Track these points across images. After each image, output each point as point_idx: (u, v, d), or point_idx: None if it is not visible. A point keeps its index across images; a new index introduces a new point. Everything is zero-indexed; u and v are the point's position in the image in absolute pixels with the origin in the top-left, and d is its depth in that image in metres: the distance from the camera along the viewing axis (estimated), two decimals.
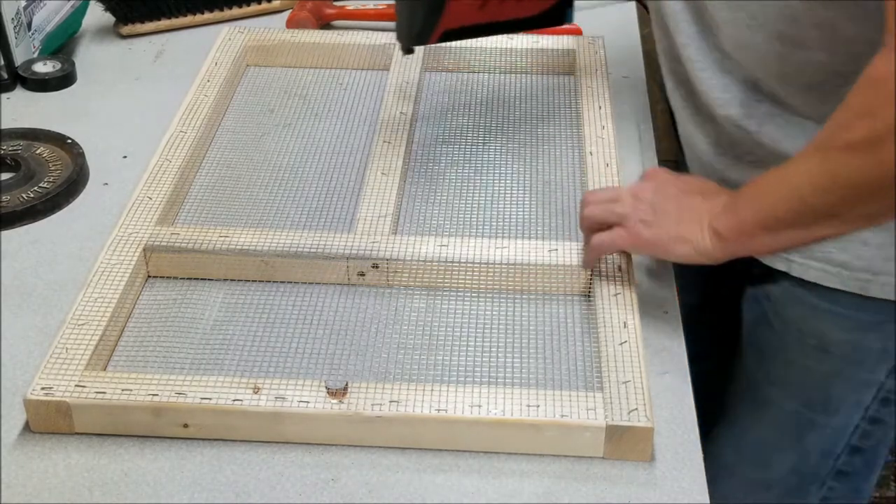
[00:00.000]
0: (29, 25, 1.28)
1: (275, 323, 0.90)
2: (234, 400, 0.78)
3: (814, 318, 0.93)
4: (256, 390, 0.79)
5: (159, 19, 1.35)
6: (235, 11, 1.37)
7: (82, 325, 0.85)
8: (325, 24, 1.35)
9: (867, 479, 1.03)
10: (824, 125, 0.76)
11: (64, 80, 1.26)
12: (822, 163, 0.75)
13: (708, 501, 0.76)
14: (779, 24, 0.84)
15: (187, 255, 0.94)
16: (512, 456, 0.78)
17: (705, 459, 0.78)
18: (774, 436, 0.96)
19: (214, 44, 1.24)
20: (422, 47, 1.17)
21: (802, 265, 0.92)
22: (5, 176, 1.08)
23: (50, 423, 0.79)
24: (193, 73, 1.18)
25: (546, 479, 0.77)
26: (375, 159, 1.05)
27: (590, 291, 0.91)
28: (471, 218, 1.00)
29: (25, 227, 1.02)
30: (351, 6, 1.36)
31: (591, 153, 1.05)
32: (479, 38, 1.23)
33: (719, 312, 1.10)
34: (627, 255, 0.92)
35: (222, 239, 0.95)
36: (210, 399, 0.79)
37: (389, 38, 1.27)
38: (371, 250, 0.93)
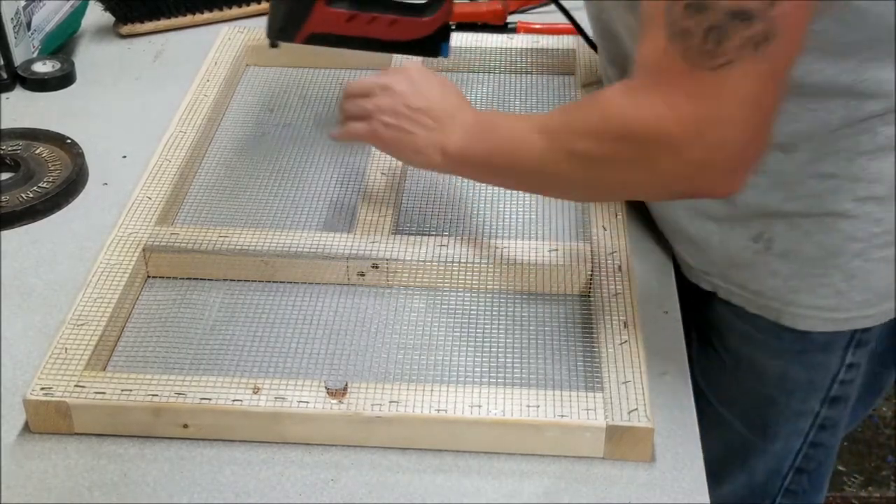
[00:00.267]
0: (28, 25, 1.28)
1: (275, 323, 0.90)
2: (233, 400, 0.78)
3: (745, 343, 0.94)
4: (256, 390, 0.79)
5: (159, 19, 1.35)
6: (235, 11, 1.37)
7: (82, 325, 0.85)
8: None
9: (817, 495, 1.04)
10: (560, 113, 0.79)
11: (63, 80, 1.26)
12: (544, 151, 0.77)
13: (708, 501, 0.76)
14: None
15: (187, 256, 0.94)
16: (512, 456, 0.78)
17: None
18: (725, 454, 0.96)
19: (214, 44, 1.24)
20: None
21: (726, 289, 0.92)
22: (5, 176, 1.08)
23: (49, 423, 0.79)
24: (193, 73, 1.18)
25: (546, 479, 0.77)
26: (375, 159, 1.05)
27: (590, 291, 0.91)
28: (471, 218, 1.00)
29: (25, 227, 1.02)
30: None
31: None
32: (478, 38, 1.23)
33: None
34: (627, 256, 0.92)
35: (222, 239, 0.95)
36: (210, 399, 0.78)
37: None
38: (371, 250, 0.93)
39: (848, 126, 0.80)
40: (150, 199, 1.00)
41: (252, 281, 0.94)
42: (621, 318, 0.86)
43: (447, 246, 0.94)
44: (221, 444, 0.79)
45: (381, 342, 0.88)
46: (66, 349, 0.83)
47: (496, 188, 1.04)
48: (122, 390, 0.79)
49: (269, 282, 0.94)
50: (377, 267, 0.93)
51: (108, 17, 1.36)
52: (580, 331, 0.89)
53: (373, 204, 0.99)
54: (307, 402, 0.78)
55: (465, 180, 1.05)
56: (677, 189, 0.73)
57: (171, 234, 0.95)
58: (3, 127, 1.15)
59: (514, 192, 1.03)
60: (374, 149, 1.07)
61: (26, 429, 0.80)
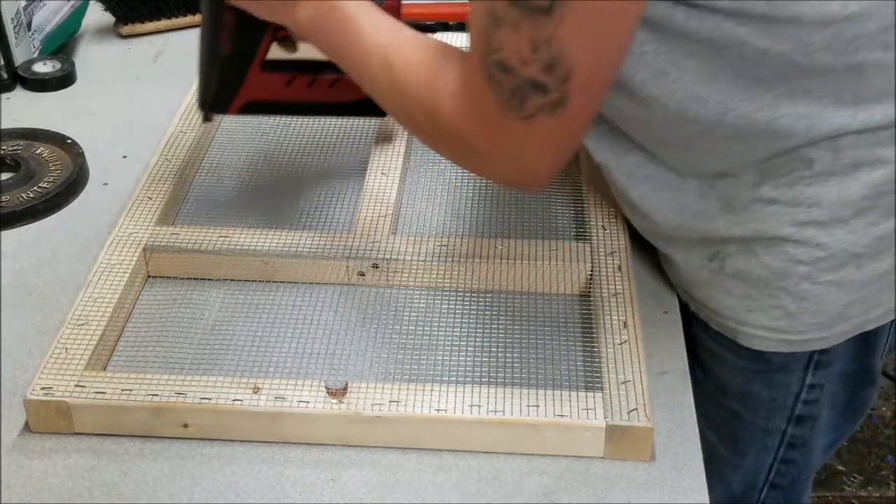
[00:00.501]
0: (29, 25, 1.28)
1: (275, 323, 0.90)
2: (233, 400, 0.78)
3: (710, 358, 0.94)
4: (256, 390, 0.79)
5: (159, 19, 1.35)
6: None
7: (82, 325, 0.85)
8: None
9: None
10: (407, 68, 0.79)
11: (64, 80, 1.26)
12: (381, 88, 0.80)
13: (708, 501, 0.76)
14: None
15: (187, 255, 0.94)
16: (512, 456, 0.79)
17: None
18: (704, 465, 0.97)
19: None
20: None
21: (694, 304, 0.93)
22: (5, 176, 1.08)
23: (50, 423, 0.79)
24: (193, 73, 1.18)
25: (546, 478, 0.77)
26: (375, 159, 1.05)
27: (589, 291, 0.91)
28: (471, 218, 1.00)
29: (25, 227, 1.02)
30: None
31: None
32: (456, 38, 1.23)
33: None
34: (627, 256, 0.92)
35: (222, 239, 0.95)
36: (210, 399, 0.79)
37: None
38: (371, 250, 0.93)
39: (778, 156, 0.80)
40: (150, 199, 1.00)
41: (252, 281, 0.94)
42: (621, 317, 0.86)
43: (447, 246, 0.94)
44: (221, 444, 0.79)
45: (381, 342, 0.88)
46: (67, 349, 0.83)
47: (496, 188, 1.04)
48: (123, 390, 0.79)
49: (269, 282, 0.94)
50: (377, 267, 0.93)
51: (109, 18, 1.36)
52: (580, 331, 0.89)
53: (373, 204, 0.99)
54: (307, 402, 0.78)
55: (465, 180, 1.05)
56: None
57: (171, 234, 0.95)
58: (3, 127, 1.15)
59: (515, 192, 1.04)
60: (373, 149, 1.07)
61: (26, 429, 0.80)
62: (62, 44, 1.34)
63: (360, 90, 0.84)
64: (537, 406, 0.78)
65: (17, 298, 0.93)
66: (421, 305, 0.92)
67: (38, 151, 1.11)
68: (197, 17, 1.35)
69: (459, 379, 0.84)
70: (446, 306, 0.91)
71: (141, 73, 1.28)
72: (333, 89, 0.94)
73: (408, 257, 0.93)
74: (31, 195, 1.04)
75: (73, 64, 1.28)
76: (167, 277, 0.95)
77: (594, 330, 0.87)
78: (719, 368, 0.93)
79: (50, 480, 0.77)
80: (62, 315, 0.88)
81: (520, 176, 0.77)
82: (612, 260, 0.92)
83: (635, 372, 0.81)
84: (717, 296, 0.89)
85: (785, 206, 0.82)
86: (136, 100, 1.22)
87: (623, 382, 0.80)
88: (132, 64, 1.30)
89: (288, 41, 0.92)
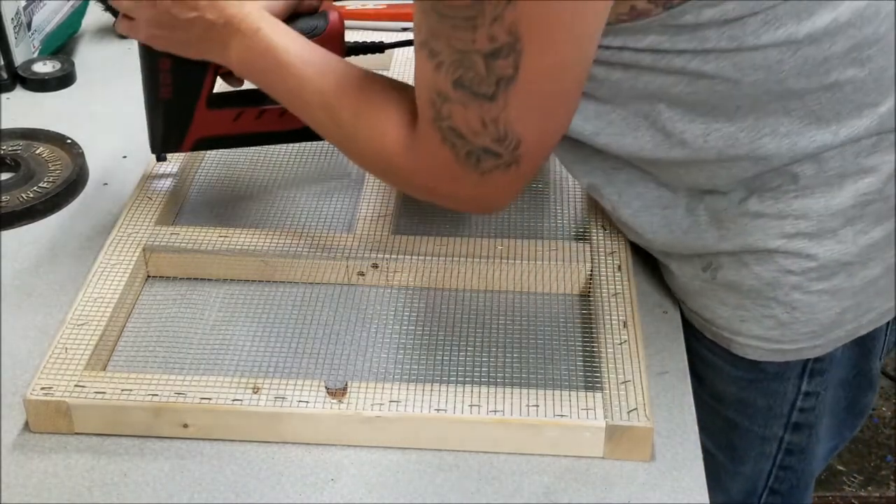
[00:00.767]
0: (29, 25, 1.28)
1: (275, 323, 0.90)
2: (233, 400, 0.78)
3: (705, 368, 0.94)
4: (256, 390, 0.79)
5: None
6: None
7: (82, 325, 0.85)
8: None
9: None
10: (353, 111, 0.81)
11: (64, 80, 1.26)
12: (322, 122, 0.85)
13: (708, 501, 0.76)
14: None
15: (187, 255, 0.94)
16: (512, 456, 0.78)
17: None
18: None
19: None
20: None
21: (687, 313, 0.93)
22: (5, 176, 1.08)
23: (50, 423, 0.79)
24: None
25: (546, 478, 0.77)
26: None
27: (589, 291, 0.91)
28: (470, 218, 1.00)
29: (25, 227, 1.02)
30: (351, 6, 1.36)
31: None
32: None
33: None
34: (627, 256, 0.92)
35: (222, 239, 0.95)
36: (210, 399, 0.79)
37: (389, 38, 1.27)
38: (371, 250, 0.93)
39: (765, 173, 0.81)
40: (150, 199, 1.00)
41: (252, 281, 0.94)
42: (621, 317, 0.86)
43: (447, 246, 0.94)
44: (221, 444, 0.79)
45: (381, 342, 0.88)
46: (67, 349, 0.83)
47: None
48: (122, 390, 0.79)
49: (269, 282, 0.94)
50: (377, 267, 0.93)
51: (108, 18, 1.36)
52: (580, 331, 0.89)
53: (373, 204, 0.99)
54: (307, 402, 0.78)
55: None
56: None
57: (171, 234, 0.95)
58: (3, 127, 1.15)
59: None
60: None
61: (26, 428, 0.80)
62: (62, 44, 1.34)
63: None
64: (537, 406, 0.78)
65: (17, 298, 0.93)
66: (421, 305, 0.92)
67: (38, 151, 1.11)
68: None
69: (459, 379, 0.84)
70: (446, 306, 0.91)
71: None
72: (284, 118, 0.94)
73: (408, 257, 0.93)
74: (31, 195, 1.04)
75: (72, 64, 1.28)
76: (167, 277, 0.95)
77: (594, 330, 0.87)
78: (714, 377, 0.93)
79: (50, 480, 0.77)
80: (62, 315, 0.88)
81: (478, 210, 0.85)
82: (612, 260, 0.92)
83: (635, 372, 0.81)
84: (710, 305, 0.89)
85: (772, 219, 0.82)
86: (136, 100, 1.21)
87: (623, 382, 0.80)
88: (132, 64, 1.28)
89: (232, 76, 0.93)
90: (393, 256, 0.93)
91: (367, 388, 0.79)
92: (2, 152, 1.09)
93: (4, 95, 1.24)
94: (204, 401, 0.78)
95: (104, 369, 0.85)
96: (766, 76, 0.74)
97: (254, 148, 1.10)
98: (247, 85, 0.93)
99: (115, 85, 1.26)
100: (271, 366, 0.85)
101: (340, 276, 0.94)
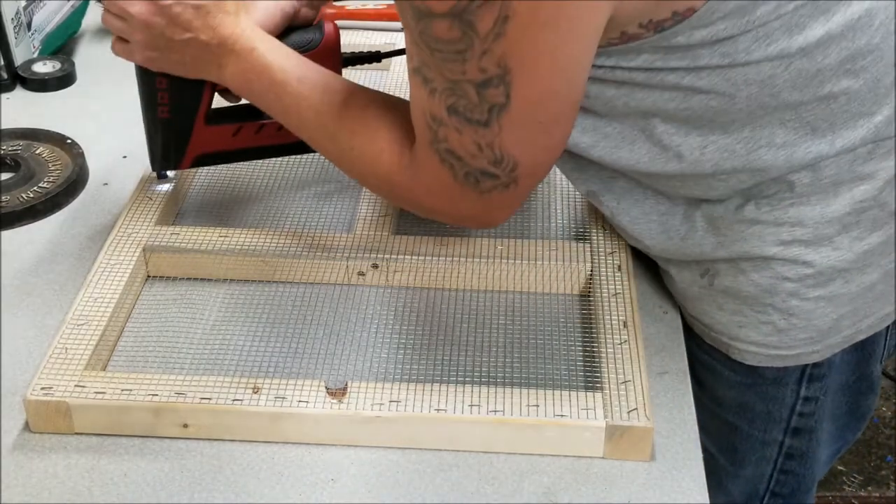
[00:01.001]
0: (29, 25, 1.28)
1: (275, 323, 0.90)
2: (233, 400, 0.78)
3: (705, 372, 0.94)
4: (256, 390, 0.79)
5: None
6: None
7: (82, 325, 0.85)
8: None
9: None
10: (351, 131, 0.82)
11: (64, 80, 1.26)
12: (321, 142, 0.86)
13: (708, 501, 0.76)
14: None
15: (187, 256, 0.94)
16: (512, 456, 0.78)
17: None
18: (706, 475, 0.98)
19: None
20: None
21: (688, 318, 0.93)
22: (5, 176, 1.08)
23: (50, 423, 0.79)
24: None
25: (546, 478, 0.77)
26: None
27: (589, 291, 0.91)
28: None
29: (25, 227, 1.02)
30: (351, 6, 1.36)
31: None
32: None
33: None
34: (627, 256, 0.92)
35: (222, 239, 0.95)
36: (210, 399, 0.79)
37: (389, 38, 1.27)
38: (371, 250, 0.93)
39: (762, 182, 0.81)
40: (150, 199, 1.00)
41: (252, 281, 0.94)
42: (621, 317, 0.86)
43: (447, 246, 0.94)
44: (221, 444, 0.79)
45: (381, 342, 0.88)
46: (67, 349, 0.83)
47: None
48: (122, 390, 0.79)
49: (269, 282, 0.94)
50: (377, 267, 0.93)
51: None
52: (580, 331, 0.89)
53: (373, 204, 0.99)
54: (307, 402, 0.78)
55: None
56: None
57: (171, 234, 0.95)
58: (3, 127, 1.15)
59: None
60: None
61: (26, 428, 0.80)
62: (62, 44, 1.34)
63: None
64: (537, 406, 0.78)
65: (17, 298, 0.93)
66: (421, 305, 0.92)
67: (38, 151, 1.11)
68: None
69: (459, 379, 0.84)
70: (446, 306, 0.91)
71: None
72: (282, 132, 0.93)
73: (408, 257, 0.93)
74: (31, 195, 1.04)
75: (72, 64, 1.28)
76: (167, 277, 0.95)
77: (594, 330, 0.87)
78: (714, 381, 0.93)
79: (50, 480, 0.77)
80: (62, 315, 0.88)
81: (478, 226, 0.84)
82: (612, 260, 0.92)
83: (635, 372, 0.81)
84: (709, 311, 0.89)
85: (768, 226, 0.82)
86: (136, 100, 1.21)
87: (623, 382, 0.80)
88: (132, 64, 1.29)
89: (229, 92, 0.92)
90: (393, 256, 0.93)
91: (367, 388, 0.79)
92: (2, 152, 1.09)
93: (4, 95, 1.24)
94: (204, 401, 0.78)
95: (104, 369, 0.85)
96: (759, 90, 0.74)
97: None
98: (244, 100, 0.93)
99: (115, 85, 1.26)
100: (271, 366, 0.85)
101: (340, 276, 0.94)
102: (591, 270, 0.92)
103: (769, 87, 0.74)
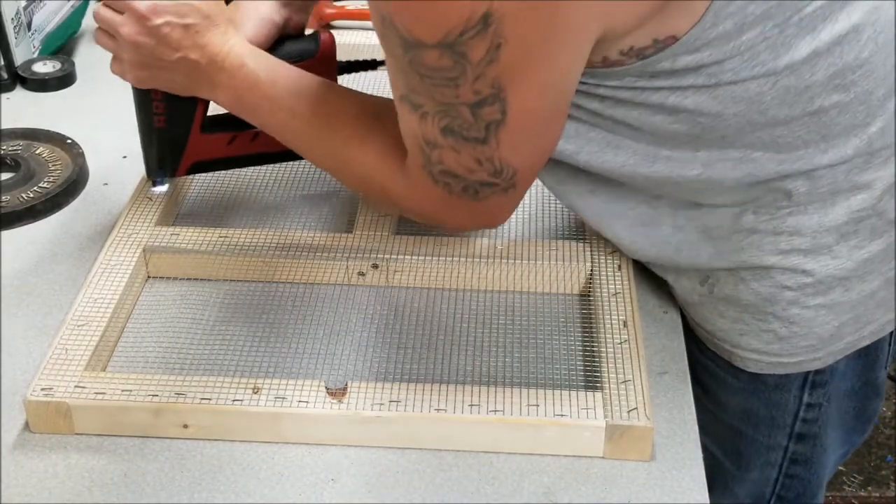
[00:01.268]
0: (29, 25, 1.28)
1: (275, 323, 0.90)
2: (233, 400, 0.78)
3: (708, 378, 0.94)
4: (256, 390, 0.79)
5: None
6: None
7: (82, 325, 0.85)
8: (325, 25, 1.34)
9: None
10: (344, 143, 0.83)
11: (64, 80, 1.26)
12: (316, 154, 0.87)
13: (708, 501, 0.76)
14: None
15: (187, 256, 0.94)
16: (511, 456, 0.78)
17: None
18: (710, 479, 0.98)
19: None
20: None
21: (692, 324, 0.93)
22: (5, 176, 1.08)
23: (50, 423, 0.79)
24: None
25: (546, 478, 0.77)
26: None
27: (589, 290, 0.91)
28: None
29: (25, 227, 1.02)
30: (351, 6, 1.36)
31: None
32: None
33: None
34: (627, 256, 0.92)
35: (222, 239, 0.95)
36: (210, 399, 0.79)
37: None
38: (371, 250, 0.93)
39: (757, 187, 0.80)
40: (150, 199, 1.00)
41: (252, 281, 0.94)
42: (621, 317, 0.86)
43: (447, 245, 0.94)
44: (221, 444, 0.79)
45: (381, 342, 0.88)
46: (67, 349, 0.83)
47: None
48: (122, 390, 0.79)
49: (269, 282, 0.94)
50: (377, 267, 0.93)
51: None
52: (580, 330, 0.89)
53: (374, 205, 0.99)
54: (307, 402, 0.78)
55: None
56: None
57: (172, 234, 0.95)
58: (3, 127, 1.15)
59: None
60: None
61: (26, 429, 0.80)
62: (62, 44, 1.34)
63: None
64: (537, 406, 0.78)
65: (17, 298, 0.93)
66: (421, 305, 0.92)
67: (38, 151, 1.11)
68: None
69: (459, 379, 0.84)
70: (446, 306, 0.91)
71: None
72: (275, 139, 0.94)
73: (408, 257, 0.93)
74: (31, 195, 1.04)
75: (73, 64, 1.28)
76: (167, 278, 0.95)
77: (594, 330, 0.87)
78: (717, 387, 0.93)
79: (50, 480, 0.77)
80: (62, 315, 0.88)
81: (478, 228, 0.86)
82: (612, 260, 0.92)
83: (635, 372, 0.81)
84: (710, 318, 0.89)
85: (766, 235, 0.82)
86: None
87: (623, 382, 0.80)
88: None
89: None
90: (393, 256, 0.93)
91: (367, 388, 0.79)
92: (2, 152, 1.09)
93: (4, 95, 1.24)
94: (204, 401, 0.78)
95: (104, 370, 0.85)
96: (747, 107, 0.74)
97: None
98: None
99: (115, 85, 1.25)
100: (271, 366, 0.85)
101: (340, 276, 0.94)
102: (591, 270, 0.92)
103: (757, 105, 0.73)
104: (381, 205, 0.86)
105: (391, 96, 0.75)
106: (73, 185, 1.06)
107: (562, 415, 0.77)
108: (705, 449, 0.81)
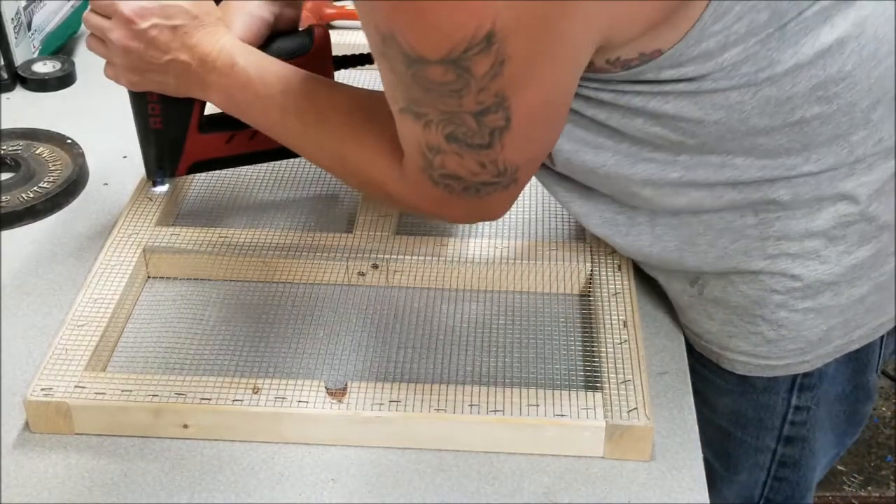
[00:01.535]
0: (29, 25, 1.28)
1: (275, 323, 0.90)
2: (234, 400, 0.78)
3: (697, 380, 0.93)
4: (256, 390, 0.79)
5: None
6: None
7: (82, 325, 0.85)
8: (324, 25, 1.34)
9: None
10: (339, 139, 0.82)
11: (64, 80, 1.26)
12: (310, 150, 0.86)
13: (708, 501, 0.76)
14: None
15: (187, 256, 0.94)
16: (511, 456, 0.78)
17: None
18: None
19: None
20: None
21: (682, 326, 0.92)
22: (5, 176, 1.08)
23: (50, 423, 0.79)
24: None
25: (546, 478, 0.77)
26: None
27: (589, 290, 0.91)
28: None
29: (25, 227, 1.02)
30: (351, 6, 1.36)
31: None
32: None
33: None
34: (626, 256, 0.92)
35: (222, 239, 0.95)
36: (210, 399, 0.79)
37: None
38: (371, 250, 0.93)
39: (744, 194, 0.80)
40: (150, 199, 1.00)
41: (252, 281, 0.94)
42: (621, 317, 0.86)
43: (447, 246, 0.94)
44: (221, 444, 0.79)
45: (381, 342, 0.88)
46: (67, 349, 0.83)
47: None
48: (123, 391, 0.79)
49: (269, 282, 0.94)
50: (377, 267, 0.93)
51: None
52: (580, 330, 0.89)
53: (373, 204, 0.99)
54: (307, 402, 0.78)
55: None
56: None
57: (172, 234, 0.95)
58: (3, 127, 1.15)
59: None
60: None
61: (26, 429, 0.80)
62: (62, 44, 1.34)
63: None
64: (537, 406, 0.78)
65: (17, 298, 0.93)
66: (421, 305, 0.92)
67: (38, 151, 1.11)
68: None
69: (459, 379, 0.84)
70: (446, 306, 0.91)
71: None
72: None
73: (408, 257, 0.93)
74: (31, 195, 1.04)
75: (73, 64, 1.28)
76: (167, 278, 0.95)
77: (594, 330, 0.87)
78: (706, 389, 0.93)
79: (50, 480, 0.77)
80: (62, 315, 0.88)
81: (476, 222, 0.86)
82: (612, 260, 0.92)
83: (635, 372, 0.81)
84: (699, 320, 0.89)
85: (753, 240, 0.82)
86: None
87: (623, 382, 0.80)
88: None
89: None
90: (393, 256, 0.93)
91: (367, 388, 0.79)
92: (2, 152, 1.09)
93: (4, 95, 1.24)
94: (204, 401, 0.78)
95: (104, 370, 0.85)
96: (727, 115, 0.74)
97: None
98: None
99: (114, 85, 1.25)
100: (271, 366, 0.85)
101: (340, 276, 0.94)
102: (591, 270, 0.92)
103: (738, 113, 0.73)
104: (378, 200, 0.86)
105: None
106: (73, 185, 1.06)
107: (562, 415, 0.77)
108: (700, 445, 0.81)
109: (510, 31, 0.62)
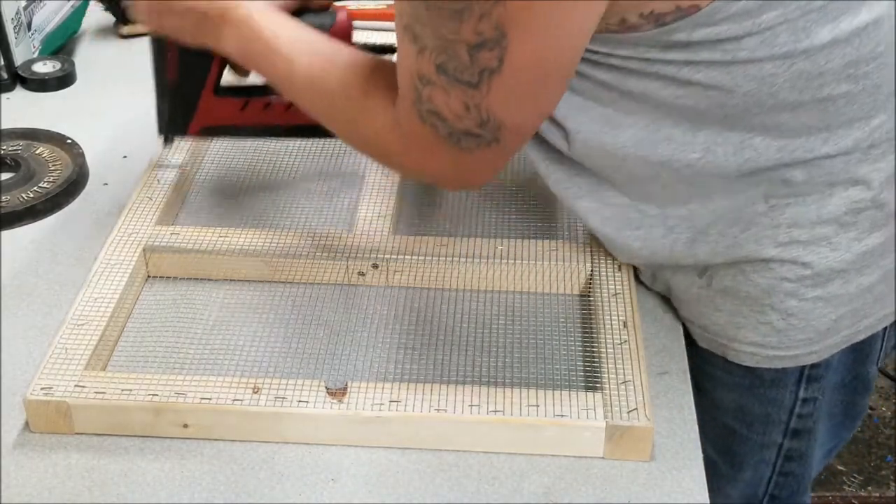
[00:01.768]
0: (29, 25, 1.28)
1: (275, 323, 0.90)
2: (233, 400, 0.78)
3: (702, 377, 0.93)
4: (256, 390, 0.79)
5: None
6: None
7: (82, 325, 0.85)
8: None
9: None
10: (344, 95, 0.81)
11: (64, 80, 1.26)
12: (315, 107, 0.85)
13: (708, 501, 0.76)
14: None
15: (187, 256, 0.94)
16: (511, 456, 0.78)
17: None
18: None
19: None
20: None
21: (684, 322, 0.92)
22: (5, 176, 1.08)
23: (50, 423, 0.79)
24: None
25: (546, 478, 0.77)
26: None
27: (589, 291, 0.91)
28: (471, 218, 1.00)
29: (25, 227, 1.02)
30: (351, 6, 1.36)
31: None
32: None
33: None
34: None
35: (222, 239, 0.95)
36: (210, 399, 0.79)
37: (389, 39, 1.27)
38: (371, 250, 0.93)
39: (753, 179, 0.80)
40: (150, 199, 1.00)
41: (252, 281, 0.94)
42: (621, 317, 0.86)
43: (447, 246, 0.94)
44: (221, 444, 0.79)
45: (381, 342, 0.88)
46: (67, 349, 0.83)
47: (495, 187, 1.04)
48: (123, 390, 0.79)
49: (269, 282, 0.94)
50: (377, 267, 0.93)
51: (108, 18, 1.36)
52: (580, 331, 0.89)
53: (373, 204, 0.99)
54: (307, 402, 0.78)
55: None
56: None
57: (172, 234, 0.95)
58: (3, 127, 1.15)
59: (515, 193, 1.03)
60: None
61: (26, 429, 0.80)
62: (62, 44, 1.34)
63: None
64: (537, 406, 0.78)
65: (17, 298, 0.93)
66: (421, 305, 0.92)
67: (38, 151, 1.11)
68: None
69: (459, 379, 0.84)
70: (446, 306, 0.91)
71: (141, 73, 1.27)
72: (289, 112, 0.95)
73: (408, 257, 0.93)
74: (31, 195, 1.04)
75: (73, 64, 1.28)
76: (167, 277, 0.95)
77: (594, 330, 0.87)
78: (711, 386, 0.93)
79: (50, 480, 0.77)
80: (62, 315, 0.88)
81: (461, 187, 0.86)
82: (612, 260, 0.92)
83: (635, 372, 0.81)
84: (706, 312, 0.89)
85: (765, 228, 0.82)
86: (136, 100, 1.21)
87: (623, 382, 0.80)
88: (132, 64, 1.30)
89: (239, 66, 0.93)
90: (393, 256, 0.93)
91: (367, 388, 0.79)
92: (2, 152, 1.09)
93: (4, 95, 1.24)
94: (204, 401, 0.78)
95: (104, 369, 0.85)
96: (758, 87, 0.74)
97: (254, 148, 1.11)
98: (253, 79, 0.93)
99: (115, 85, 1.26)
100: (271, 366, 0.85)
101: (340, 276, 0.94)
102: (591, 270, 0.92)
103: (768, 86, 0.74)
104: (376, 157, 0.85)
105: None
106: (73, 185, 1.06)
107: (562, 415, 0.77)
108: (702, 447, 0.81)
109: None
